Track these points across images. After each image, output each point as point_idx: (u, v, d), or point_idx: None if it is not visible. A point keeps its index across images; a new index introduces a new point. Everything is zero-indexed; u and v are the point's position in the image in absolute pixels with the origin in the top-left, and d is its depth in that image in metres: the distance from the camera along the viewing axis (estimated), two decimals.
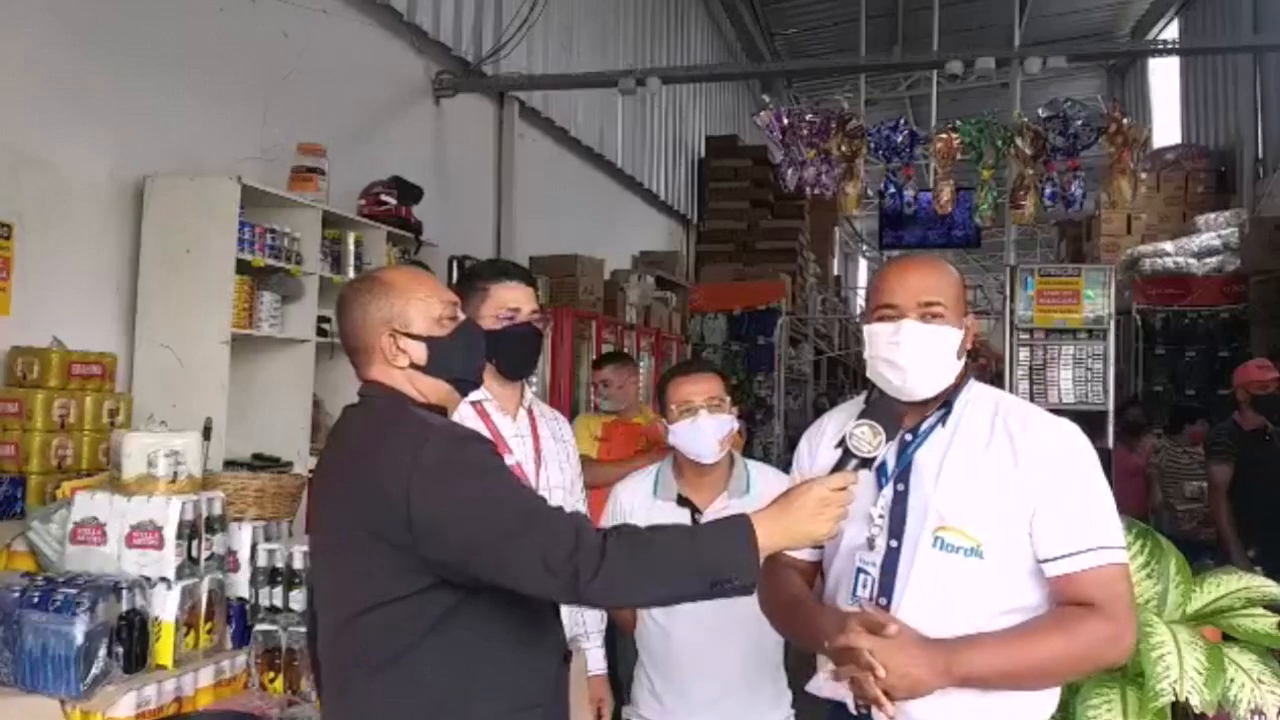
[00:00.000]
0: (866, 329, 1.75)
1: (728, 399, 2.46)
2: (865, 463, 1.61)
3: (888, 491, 1.71)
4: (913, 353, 1.68)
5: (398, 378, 1.70)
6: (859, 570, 1.71)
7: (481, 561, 1.51)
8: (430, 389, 1.71)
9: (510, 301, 2.35)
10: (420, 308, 1.71)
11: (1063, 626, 1.59)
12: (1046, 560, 1.62)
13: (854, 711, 1.67)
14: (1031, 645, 1.59)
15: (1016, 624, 1.62)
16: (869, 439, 1.60)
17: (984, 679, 1.57)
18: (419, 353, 1.70)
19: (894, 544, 1.69)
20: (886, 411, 1.65)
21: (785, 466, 2.18)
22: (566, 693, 1.81)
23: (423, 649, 1.57)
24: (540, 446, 2.44)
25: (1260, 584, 2.01)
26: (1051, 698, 1.70)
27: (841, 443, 1.63)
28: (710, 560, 1.50)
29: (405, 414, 1.66)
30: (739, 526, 1.53)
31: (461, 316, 1.78)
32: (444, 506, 1.52)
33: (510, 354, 2.36)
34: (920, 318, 1.68)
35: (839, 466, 1.61)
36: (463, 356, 1.75)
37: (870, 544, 1.70)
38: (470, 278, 2.42)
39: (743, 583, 1.50)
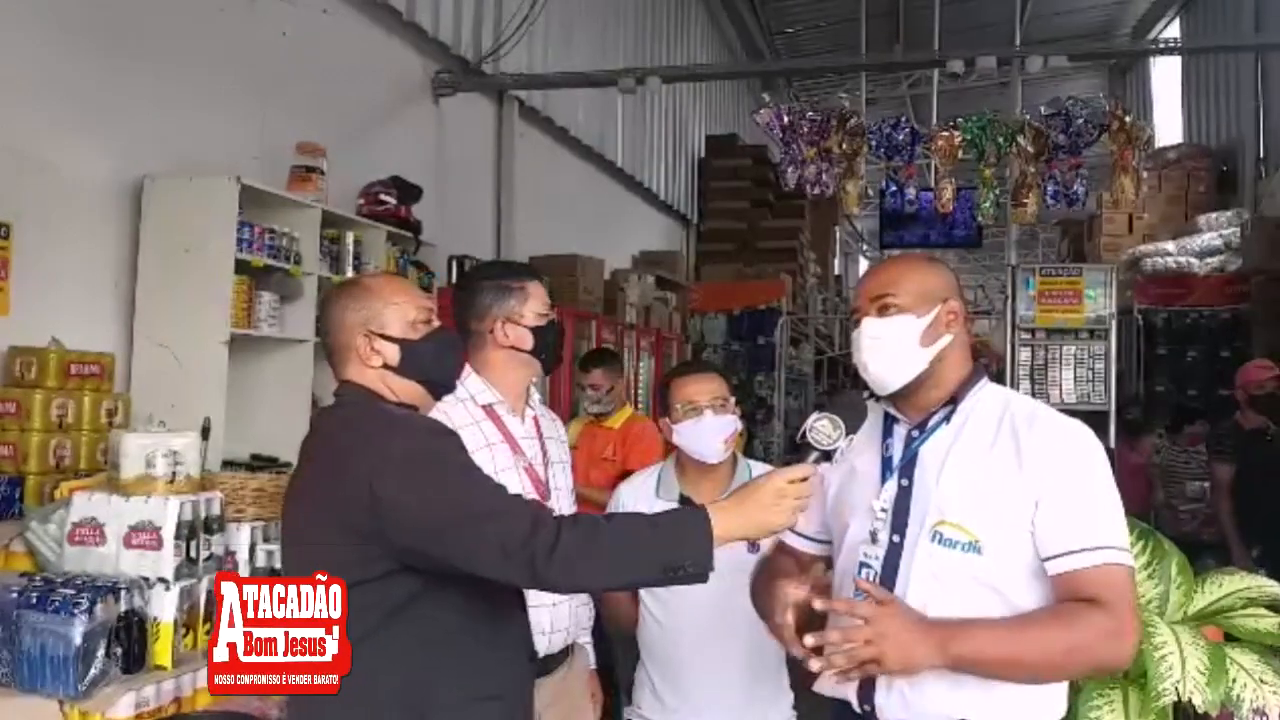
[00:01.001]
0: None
1: (731, 399, 2.45)
2: (825, 455, 1.64)
3: (891, 486, 1.72)
4: (870, 346, 1.72)
5: (371, 377, 1.78)
6: (861, 564, 1.71)
7: (443, 546, 1.58)
8: (402, 389, 1.79)
9: (546, 297, 2.38)
10: (396, 311, 1.79)
11: (1063, 617, 1.57)
12: (1049, 558, 1.60)
13: (858, 710, 1.66)
14: (1029, 633, 1.57)
15: (1017, 614, 1.60)
16: (828, 432, 1.63)
17: (978, 662, 1.56)
18: (392, 354, 1.78)
19: (896, 539, 1.69)
20: (850, 405, 1.69)
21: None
22: (531, 690, 1.87)
23: (383, 635, 1.63)
24: (546, 448, 2.44)
25: (1261, 584, 2.01)
26: (1059, 701, 1.68)
27: (802, 435, 1.66)
28: (665, 547, 1.57)
29: (376, 410, 1.75)
30: (695, 515, 1.60)
31: (437, 323, 1.84)
32: (408, 494, 1.58)
33: (553, 349, 2.41)
34: (877, 313, 1.72)
35: (799, 459, 1.65)
36: (434, 359, 1.82)
37: (873, 538, 1.71)
38: (501, 278, 2.38)
39: (697, 570, 1.56)
